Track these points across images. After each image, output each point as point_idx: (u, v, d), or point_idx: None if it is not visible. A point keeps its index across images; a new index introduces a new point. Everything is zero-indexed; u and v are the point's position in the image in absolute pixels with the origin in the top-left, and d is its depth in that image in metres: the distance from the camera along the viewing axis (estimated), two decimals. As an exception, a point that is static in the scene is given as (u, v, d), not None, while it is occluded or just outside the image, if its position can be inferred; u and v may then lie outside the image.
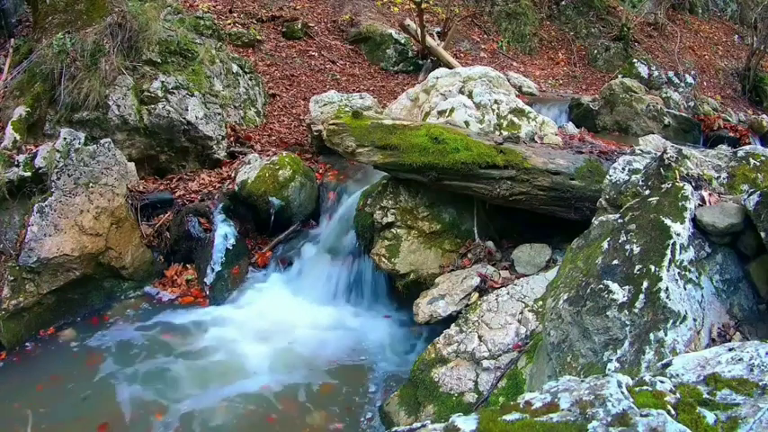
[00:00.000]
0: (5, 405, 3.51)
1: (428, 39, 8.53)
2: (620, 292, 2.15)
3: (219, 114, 5.76)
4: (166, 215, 5.05)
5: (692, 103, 8.48)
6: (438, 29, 9.17)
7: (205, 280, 4.68)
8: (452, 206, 4.32)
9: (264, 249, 5.12)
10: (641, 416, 1.14)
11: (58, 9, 5.35)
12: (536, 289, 3.50)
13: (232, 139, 5.91)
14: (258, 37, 8.11)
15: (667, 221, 2.24)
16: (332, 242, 4.86)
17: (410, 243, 4.26)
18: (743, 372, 1.29)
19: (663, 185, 2.50)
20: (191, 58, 5.76)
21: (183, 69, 5.67)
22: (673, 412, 1.19)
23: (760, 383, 1.24)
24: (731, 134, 7.74)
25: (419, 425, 1.29)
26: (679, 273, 2.14)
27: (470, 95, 5.24)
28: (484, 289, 3.82)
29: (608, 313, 2.14)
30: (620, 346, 2.07)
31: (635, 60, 9.42)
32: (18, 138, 4.67)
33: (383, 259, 4.26)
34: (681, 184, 2.41)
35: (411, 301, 4.02)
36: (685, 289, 2.13)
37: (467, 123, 4.87)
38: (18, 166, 4.35)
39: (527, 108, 5.22)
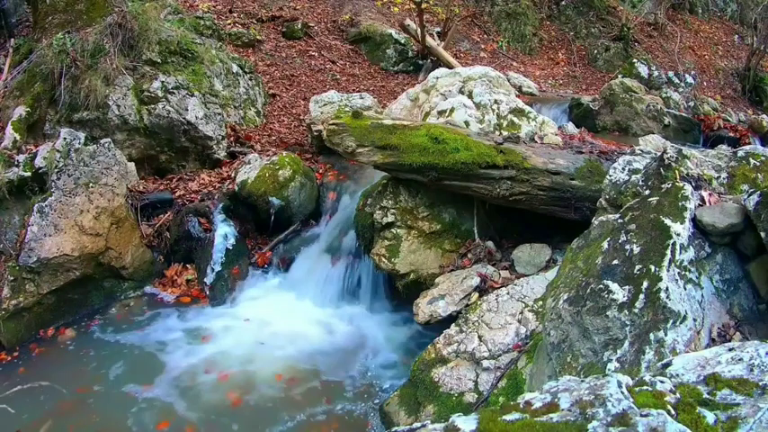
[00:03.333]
0: (5, 405, 3.51)
1: (428, 39, 8.52)
2: (620, 292, 2.15)
3: (219, 114, 5.76)
4: (166, 215, 5.05)
5: (692, 103, 8.48)
6: (438, 29, 9.17)
7: (205, 280, 4.68)
8: (452, 206, 4.32)
9: (264, 249, 5.12)
10: (641, 416, 1.14)
11: (58, 9, 5.36)
12: (536, 289, 3.50)
13: (232, 139, 5.91)
14: (258, 37, 8.11)
15: (667, 221, 2.24)
16: (332, 242, 4.86)
17: (410, 243, 4.26)
18: (743, 372, 1.29)
19: (663, 185, 2.50)
20: (191, 58, 5.76)
21: (183, 69, 5.67)
22: (673, 412, 1.19)
23: (760, 383, 1.24)
24: (731, 134, 7.73)
25: (419, 425, 1.29)
26: (679, 273, 2.14)
27: (470, 95, 5.24)
28: (484, 289, 3.82)
29: (608, 313, 2.14)
30: (620, 346, 2.07)
31: (635, 60, 9.41)
32: (18, 138, 4.67)
33: (383, 259, 4.26)
34: (681, 184, 2.41)
35: (411, 301, 4.02)
36: (685, 289, 2.13)
37: (467, 123, 4.87)
38: (18, 166, 4.35)
39: (527, 108, 5.22)
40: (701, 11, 11.93)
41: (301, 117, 6.67)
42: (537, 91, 8.18)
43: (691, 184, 2.48)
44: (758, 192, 2.19)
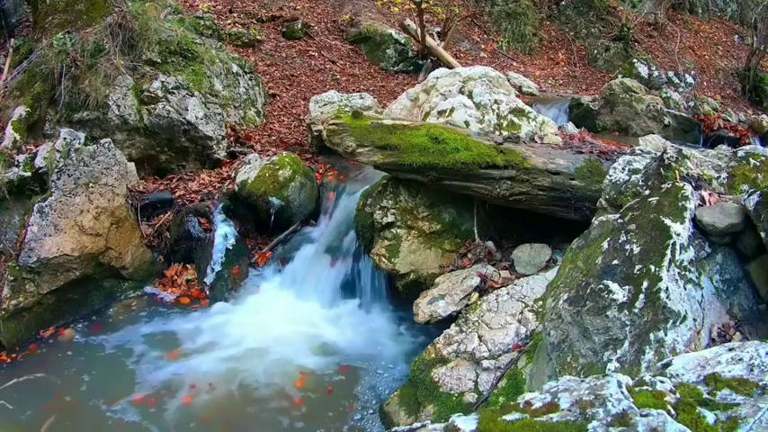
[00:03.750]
0: (5, 405, 3.51)
1: (428, 39, 8.52)
2: (620, 292, 2.15)
3: (219, 114, 5.76)
4: (166, 215, 5.05)
5: (692, 103, 8.48)
6: (438, 29, 9.17)
7: (205, 280, 4.68)
8: (452, 206, 4.32)
9: (264, 249, 5.12)
10: (641, 416, 1.14)
11: (58, 9, 5.36)
12: (536, 289, 3.50)
13: (232, 139, 5.91)
14: (258, 37, 8.11)
15: (667, 221, 2.24)
16: (332, 242, 4.86)
17: (410, 243, 4.26)
18: (743, 372, 1.29)
19: (663, 185, 2.50)
20: (191, 58, 5.76)
21: (183, 69, 5.66)
22: (673, 412, 1.19)
23: (760, 383, 1.24)
24: (731, 134, 7.73)
25: (419, 425, 1.29)
26: (679, 273, 2.14)
27: (470, 95, 5.24)
28: (484, 289, 3.82)
29: (608, 313, 2.14)
30: (620, 346, 2.07)
31: (635, 60, 9.41)
32: (18, 138, 4.67)
33: (383, 259, 4.26)
34: (681, 184, 2.41)
35: (411, 301, 4.02)
36: (685, 289, 2.13)
37: (467, 123, 4.87)
38: (18, 166, 4.35)
39: (527, 108, 5.22)
40: (701, 11, 11.93)
41: (301, 117, 6.67)
42: (537, 91, 8.18)
43: (691, 184, 2.48)
44: (758, 192, 2.19)
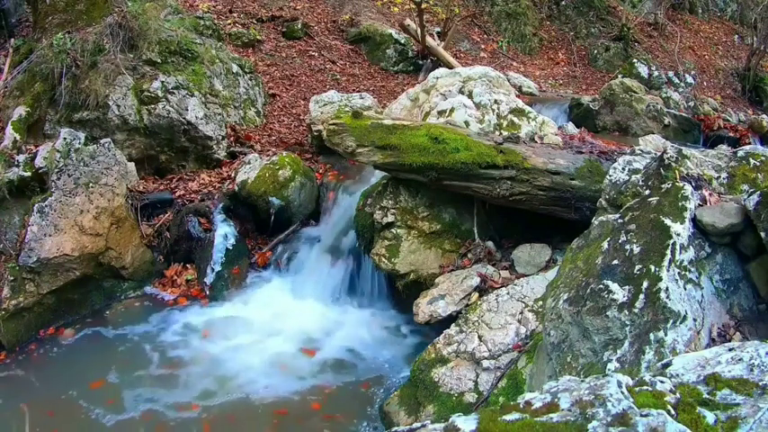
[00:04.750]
0: (6, 406, 3.51)
1: (428, 39, 8.52)
2: (620, 292, 2.15)
3: (219, 114, 5.76)
4: (166, 215, 5.05)
5: (692, 103, 8.48)
6: (438, 29, 9.17)
7: (205, 280, 4.68)
8: (452, 206, 4.32)
9: (264, 249, 5.12)
10: (641, 416, 1.14)
11: (58, 9, 5.36)
12: (536, 289, 3.50)
13: (232, 139, 5.91)
14: (258, 37, 8.11)
15: (667, 221, 2.24)
16: (332, 242, 4.86)
17: (410, 243, 4.26)
18: (743, 372, 1.29)
19: (663, 185, 2.50)
20: (191, 58, 5.76)
21: (183, 69, 5.66)
22: (673, 412, 1.19)
23: (760, 383, 1.24)
24: (731, 134, 7.72)
25: (419, 425, 1.29)
26: (679, 273, 2.14)
27: (470, 95, 5.23)
28: (484, 289, 3.82)
29: (608, 313, 2.14)
30: (620, 346, 2.07)
31: (635, 60, 9.41)
32: (18, 138, 4.67)
33: (383, 259, 4.26)
34: (681, 184, 2.41)
35: (411, 301, 4.02)
36: (685, 289, 2.13)
37: (467, 123, 4.87)
38: (18, 166, 4.35)
39: (527, 108, 5.22)
40: (701, 11, 11.93)
41: (301, 117, 6.67)
42: (537, 91, 8.17)
43: (691, 184, 2.48)
44: (758, 192, 2.19)
